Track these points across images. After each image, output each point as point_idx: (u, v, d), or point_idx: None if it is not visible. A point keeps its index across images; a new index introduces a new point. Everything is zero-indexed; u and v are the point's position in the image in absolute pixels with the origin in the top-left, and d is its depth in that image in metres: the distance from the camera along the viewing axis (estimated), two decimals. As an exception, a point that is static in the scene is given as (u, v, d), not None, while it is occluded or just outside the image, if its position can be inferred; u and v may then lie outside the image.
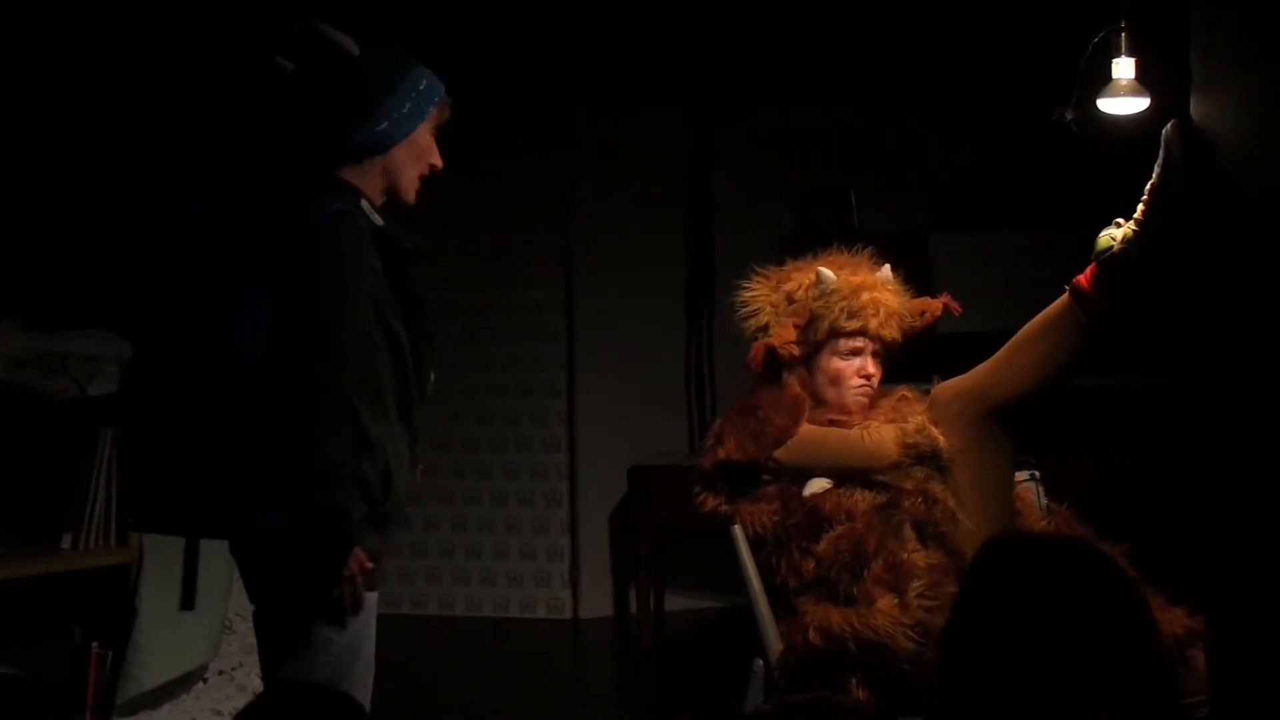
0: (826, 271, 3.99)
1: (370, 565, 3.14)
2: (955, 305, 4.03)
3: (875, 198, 7.15)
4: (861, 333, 3.93)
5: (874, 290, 3.96)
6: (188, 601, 3.36)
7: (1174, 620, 3.57)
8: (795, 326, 3.99)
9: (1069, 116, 4.03)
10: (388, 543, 3.26)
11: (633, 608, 7.05)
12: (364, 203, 3.24)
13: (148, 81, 5.38)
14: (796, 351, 3.99)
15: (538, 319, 7.35)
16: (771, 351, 3.99)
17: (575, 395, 7.32)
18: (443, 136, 3.38)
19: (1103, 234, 3.56)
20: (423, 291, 3.28)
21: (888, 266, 4.02)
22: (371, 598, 3.22)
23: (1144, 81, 4.07)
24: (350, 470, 3.08)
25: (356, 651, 3.21)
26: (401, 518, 3.25)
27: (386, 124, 3.26)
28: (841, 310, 3.93)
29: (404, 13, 6.77)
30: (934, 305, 4.01)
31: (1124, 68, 4.05)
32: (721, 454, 3.85)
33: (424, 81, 3.31)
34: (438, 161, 3.36)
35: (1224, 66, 2.82)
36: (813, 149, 7.22)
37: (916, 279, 4.14)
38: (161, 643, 4.54)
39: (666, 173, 7.29)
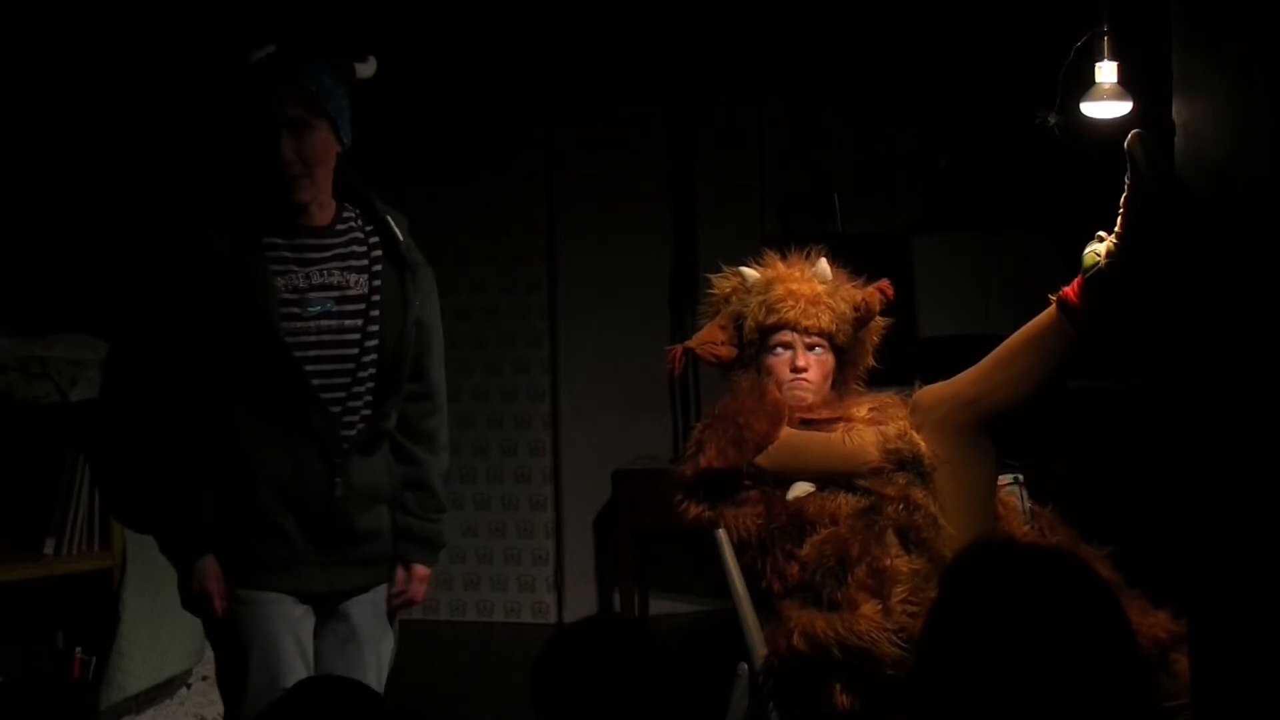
0: (747, 270, 4.02)
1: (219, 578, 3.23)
2: (889, 288, 4.01)
3: (857, 201, 7.15)
4: (783, 325, 3.93)
5: (789, 282, 3.95)
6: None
7: (1157, 624, 3.57)
8: (721, 328, 4.01)
9: (1052, 120, 4.04)
10: (288, 545, 3.30)
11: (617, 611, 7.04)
12: (262, 213, 3.28)
13: (130, 87, 5.37)
14: (721, 352, 4.00)
15: (521, 323, 7.34)
16: (690, 353, 4.03)
17: (559, 399, 7.31)
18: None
19: (1087, 250, 3.54)
20: (275, 304, 3.26)
21: (823, 260, 4.01)
22: (260, 597, 3.26)
23: (1127, 85, 4.07)
24: (200, 478, 3.19)
25: (251, 647, 3.24)
26: (281, 515, 3.28)
27: (233, 124, 3.33)
28: (759, 305, 3.94)
29: (381, 14, 6.77)
30: (870, 293, 3.99)
31: (1106, 71, 4.06)
32: (703, 462, 3.84)
33: (250, 79, 3.27)
34: (283, 154, 3.28)
35: (1206, 67, 2.82)
36: (794, 152, 7.22)
37: (899, 281, 4.14)
38: (144, 648, 4.53)
39: (647, 175, 7.28)
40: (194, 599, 3.24)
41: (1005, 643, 1.94)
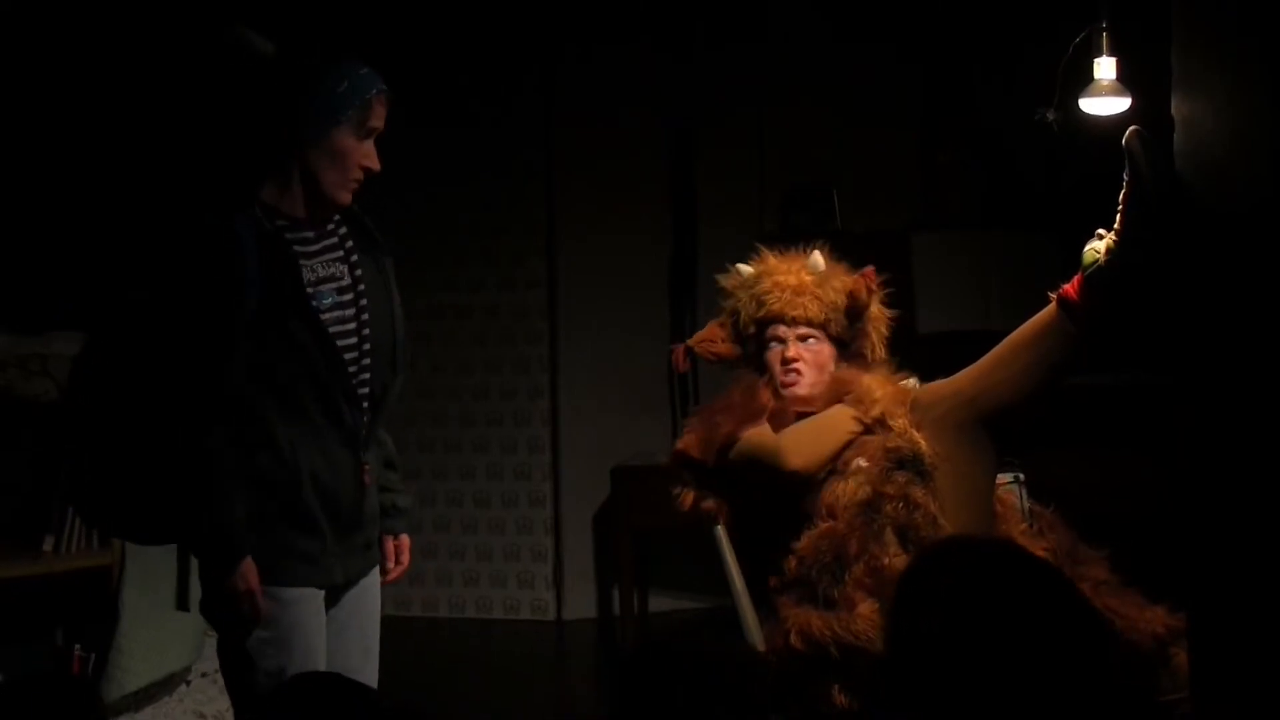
0: (740, 266, 4.03)
1: (254, 580, 3.18)
2: (871, 275, 4.00)
3: (857, 199, 7.15)
4: (771, 318, 3.93)
5: (775, 274, 3.96)
6: (182, 602, 3.41)
7: (1155, 619, 3.58)
8: (720, 325, 4.03)
9: (1050, 117, 4.04)
10: (321, 539, 3.29)
11: (616, 609, 7.05)
12: (258, 210, 3.24)
13: (130, 86, 5.37)
14: (719, 350, 4.02)
15: (520, 321, 7.35)
16: (691, 351, 4.05)
17: (558, 396, 7.31)
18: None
19: (1087, 248, 3.54)
20: (309, 297, 3.25)
21: (816, 253, 4.01)
22: (294, 594, 3.25)
23: (1125, 81, 4.07)
24: (234, 480, 3.16)
25: (288, 644, 3.24)
26: (317, 510, 3.27)
27: (293, 129, 3.23)
28: (750, 299, 3.97)
29: (381, 14, 6.77)
30: (855, 281, 3.98)
31: (1105, 68, 4.06)
32: (680, 445, 3.87)
33: (344, 83, 3.23)
34: (371, 164, 3.29)
35: (1206, 65, 2.83)
36: (793, 151, 7.22)
37: (898, 279, 4.14)
38: (144, 645, 4.53)
39: (647, 173, 7.29)
40: (233, 599, 3.19)
41: (959, 638, 1.95)
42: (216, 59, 3.35)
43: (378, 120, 3.29)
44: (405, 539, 3.64)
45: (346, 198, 3.30)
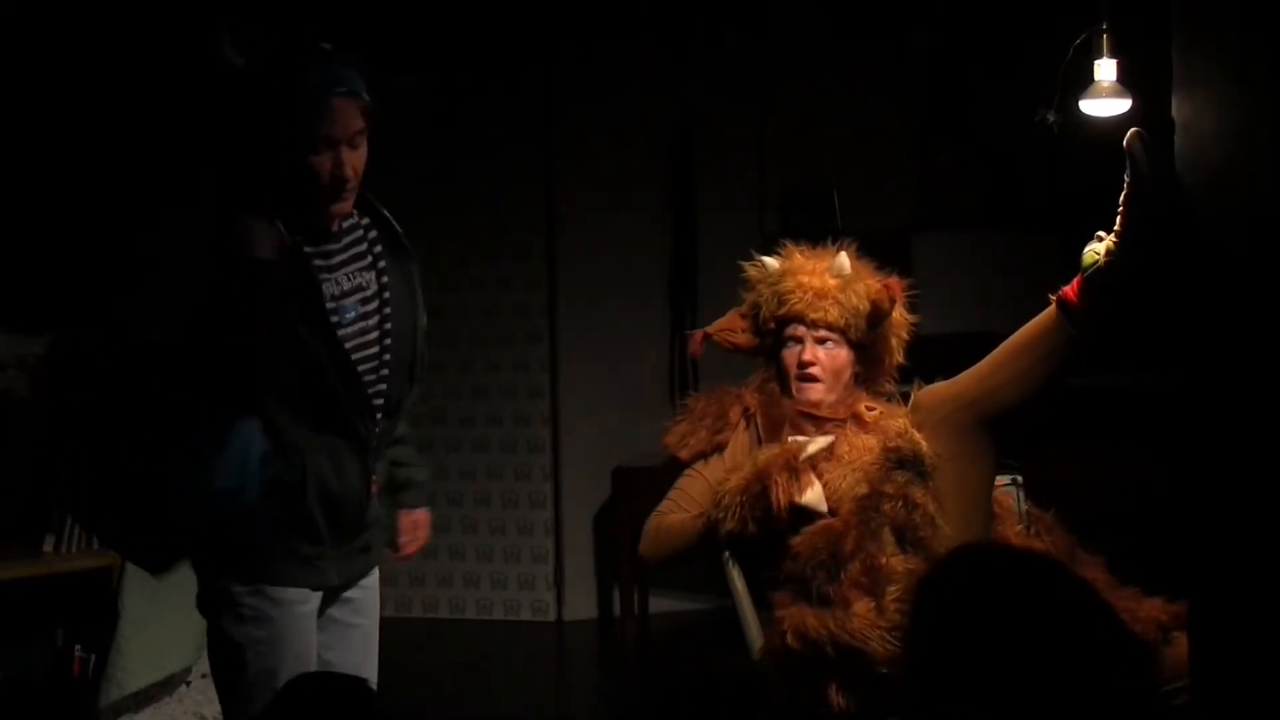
0: (768, 259, 4.00)
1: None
2: (896, 286, 3.98)
3: (856, 198, 7.16)
4: (793, 318, 3.92)
5: (800, 274, 3.93)
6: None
7: (1154, 608, 3.57)
8: (741, 316, 4.02)
9: (1051, 118, 4.04)
10: (320, 544, 3.29)
11: (616, 609, 7.05)
12: (280, 225, 3.19)
13: (131, 86, 5.37)
14: (738, 340, 4.01)
15: (520, 321, 7.35)
16: (708, 339, 4.05)
17: (558, 396, 7.31)
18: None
19: (1087, 250, 3.52)
20: (328, 314, 3.21)
21: (843, 254, 3.97)
22: (289, 594, 3.26)
23: (1126, 82, 4.07)
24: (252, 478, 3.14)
25: (282, 647, 3.24)
26: (320, 517, 3.26)
27: (267, 143, 3.17)
28: (771, 295, 3.94)
29: (381, 14, 6.77)
30: (879, 289, 3.95)
31: (1106, 69, 4.06)
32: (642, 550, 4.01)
33: (298, 98, 3.13)
34: (342, 172, 3.17)
35: (1206, 66, 2.83)
36: (793, 150, 7.23)
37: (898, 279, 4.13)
38: (144, 646, 4.53)
39: (647, 173, 7.29)
40: (231, 600, 3.22)
41: (987, 646, 1.95)
42: (201, 68, 3.33)
43: (341, 130, 3.17)
44: (422, 514, 3.63)
45: (344, 207, 3.24)
